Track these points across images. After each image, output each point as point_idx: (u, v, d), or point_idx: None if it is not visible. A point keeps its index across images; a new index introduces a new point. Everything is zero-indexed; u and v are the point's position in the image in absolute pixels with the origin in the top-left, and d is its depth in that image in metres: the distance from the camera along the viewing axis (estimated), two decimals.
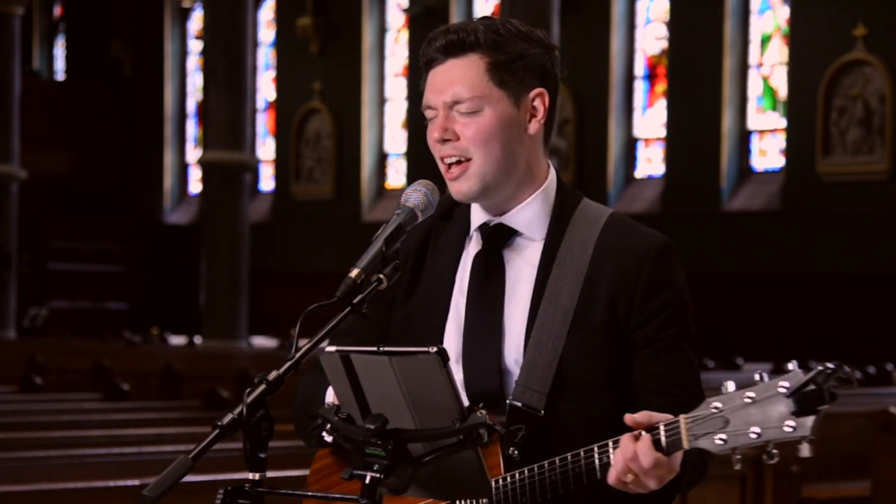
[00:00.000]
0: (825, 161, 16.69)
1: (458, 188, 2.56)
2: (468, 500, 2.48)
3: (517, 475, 2.46)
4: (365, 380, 2.21)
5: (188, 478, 2.18)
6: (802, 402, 2.11)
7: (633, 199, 18.85)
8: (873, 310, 16.02)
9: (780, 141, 17.71)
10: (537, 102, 2.59)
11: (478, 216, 2.64)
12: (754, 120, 18.06)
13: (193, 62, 25.33)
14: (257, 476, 2.20)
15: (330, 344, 2.29)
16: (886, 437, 7.14)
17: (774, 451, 2.14)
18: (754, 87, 18.07)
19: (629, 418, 2.31)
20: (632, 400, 2.54)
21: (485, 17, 2.58)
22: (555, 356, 2.51)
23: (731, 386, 2.20)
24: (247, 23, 16.22)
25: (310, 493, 2.44)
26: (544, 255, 2.58)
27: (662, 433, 2.28)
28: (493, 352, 2.55)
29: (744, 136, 18.02)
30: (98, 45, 26.00)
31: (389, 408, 2.20)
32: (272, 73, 23.76)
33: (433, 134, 2.55)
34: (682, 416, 2.25)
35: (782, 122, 17.66)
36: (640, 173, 19.20)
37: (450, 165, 2.56)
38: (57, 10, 27.93)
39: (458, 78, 2.52)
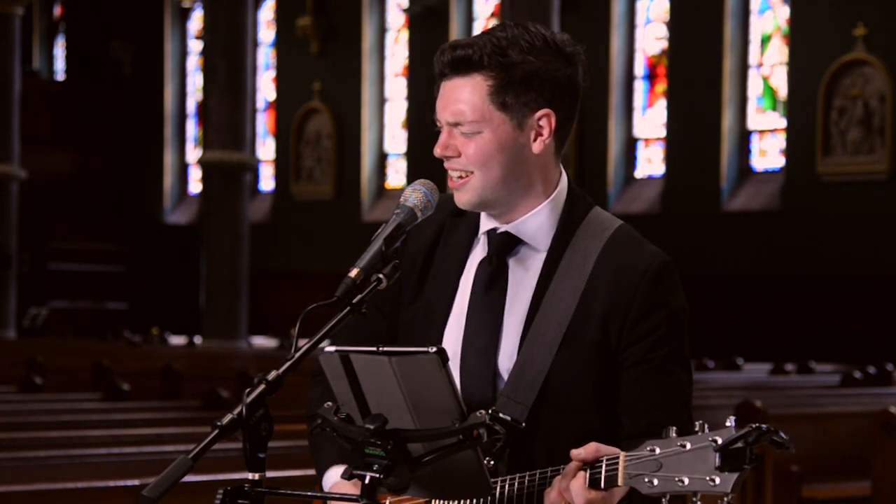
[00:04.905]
0: (825, 161, 16.69)
1: (459, 198, 2.58)
2: (468, 500, 2.48)
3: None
4: (364, 380, 2.21)
5: (188, 478, 2.18)
6: (728, 458, 2.16)
7: (633, 199, 18.85)
8: (873, 310, 16.02)
9: (780, 141, 17.72)
10: (543, 122, 2.56)
11: (486, 220, 2.65)
12: (754, 120, 18.06)
13: (193, 62, 25.34)
14: (257, 476, 2.20)
15: (330, 345, 2.30)
16: (886, 437, 7.14)
17: (699, 502, 2.20)
18: (754, 87, 18.08)
19: (574, 454, 2.33)
20: (618, 419, 2.56)
21: (500, 29, 2.55)
22: (543, 370, 2.51)
23: (672, 431, 2.25)
24: (247, 23, 16.22)
25: (309, 494, 2.44)
26: (546, 266, 2.58)
27: (604, 468, 2.31)
28: (488, 360, 2.55)
29: (744, 136, 18.02)
30: (98, 45, 26.01)
31: (389, 408, 2.20)
32: (272, 73, 23.77)
33: (436, 149, 2.57)
34: (622, 454, 2.29)
35: (782, 122, 17.67)
36: (640, 173, 19.20)
37: (451, 176, 2.59)
38: (57, 10, 27.93)
39: (461, 98, 2.53)
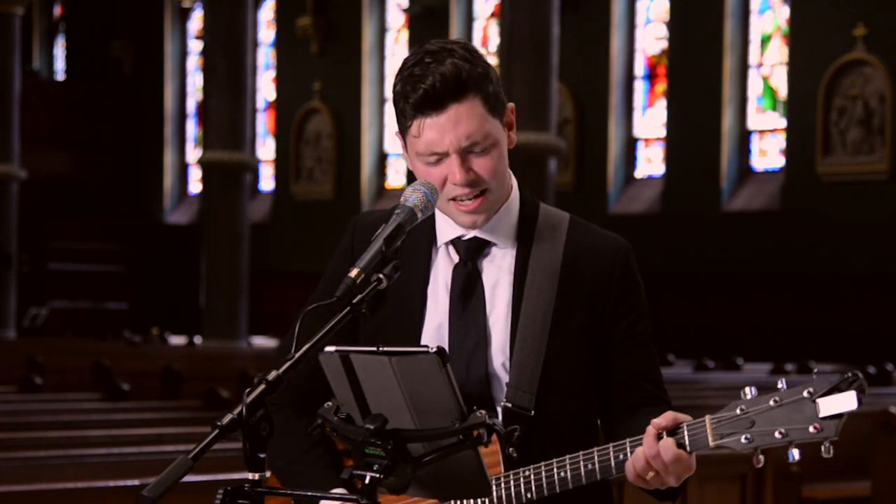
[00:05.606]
0: (825, 161, 16.69)
1: (474, 220, 2.61)
2: (468, 500, 2.49)
3: (521, 472, 2.52)
4: (364, 380, 2.21)
5: (188, 478, 2.18)
6: (830, 405, 2.30)
7: (633, 199, 18.85)
8: (873, 310, 16.02)
9: (780, 141, 17.71)
10: (510, 115, 2.64)
11: (446, 230, 2.68)
12: (754, 120, 18.06)
13: (193, 62, 25.34)
14: (257, 476, 2.20)
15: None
16: (886, 437, 7.14)
17: (795, 450, 2.33)
18: (754, 87, 18.08)
19: (655, 423, 2.41)
20: (607, 395, 2.66)
21: (447, 53, 2.54)
22: (539, 359, 2.59)
23: (750, 391, 2.38)
24: (247, 23, 16.22)
25: (309, 493, 2.44)
26: (518, 262, 2.66)
27: (686, 433, 2.41)
28: (480, 359, 2.61)
29: (744, 136, 18.02)
30: (98, 45, 26.01)
31: (389, 408, 2.20)
32: (272, 73, 23.77)
33: (455, 178, 2.55)
34: (707, 417, 2.39)
35: (782, 122, 17.67)
36: (640, 173, 19.20)
37: (463, 200, 2.58)
38: (57, 10, 27.93)
39: (466, 121, 2.54)
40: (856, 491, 7.48)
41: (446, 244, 2.69)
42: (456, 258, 2.68)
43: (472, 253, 2.66)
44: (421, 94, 2.52)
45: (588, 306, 2.62)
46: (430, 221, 2.68)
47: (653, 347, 2.70)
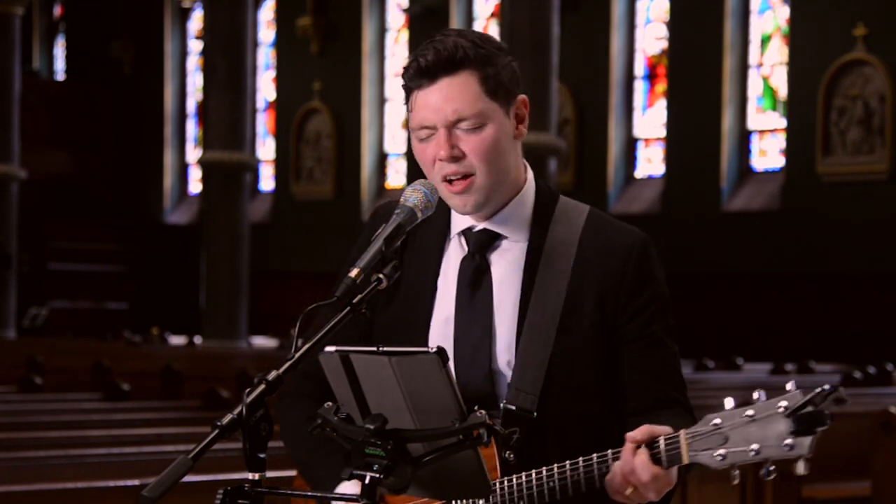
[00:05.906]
0: (825, 161, 16.69)
1: (464, 202, 2.56)
2: (467, 500, 2.49)
3: (514, 479, 2.47)
4: (364, 380, 2.21)
5: (188, 478, 2.18)
6: (801, 422, 2.20)
7: (633, 199, 18.85)
8: (873, 310, 16.01)
9: (780, 141, 17.71)
10: (521, 107, 2.60)
11: (459, 220, 2.65)
12: (754, 120, 18.06)
13: (193, 62, 25.34)
14: (257, 476, 2.20)
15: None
16: (886, 437, 7.14)
17: (772, 468, 2.23)
18: (754, 87, 18.07)
19: (630, 437, 2.35)
20: (619, 396, 2.58)
21: (456, 33, 2.57)
22: (545, 357, 2.54)
23: (729, 402, 2.28)
24: (247, 23, 16.22)
25: (309, 493, 2.44)
26: (529, 256, 2.61)
27: (662, 448, 2.34)
28: (484, 355, 2.57)
29: (744, 136, 18.02)
30: (98, 45, 26.00)
31: (389, 408, 2.20)
32: (272, 73, 23.77)
33: (440, 153, 2.53)
34: (682, 432, 2.31)
35: (782, 122, 17.66)
36: (640, 173, 19.20)
37: (452, 180, 2.56)
38: (57, 10, 27.93)
39: (456, 95, 2.52)
40: (856, 491, 7.48)
41: (458, 235, 2.65)
42: (467, 249, 2.64)
43: (480, 245, 2.61)
44: (416, 66, 2.53)
45: (600, 303, 2.56)
46: (446, 211, 2.63)
47: (672, 346, 2.60)
